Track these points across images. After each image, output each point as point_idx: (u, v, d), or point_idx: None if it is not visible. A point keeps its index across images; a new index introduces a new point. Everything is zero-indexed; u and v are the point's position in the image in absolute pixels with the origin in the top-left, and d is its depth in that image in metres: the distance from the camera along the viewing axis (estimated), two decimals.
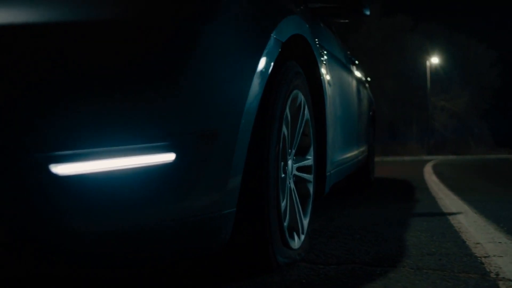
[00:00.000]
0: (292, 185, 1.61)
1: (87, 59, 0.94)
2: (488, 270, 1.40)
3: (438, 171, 6.74)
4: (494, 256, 1.57)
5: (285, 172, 1.50)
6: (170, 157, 1.01)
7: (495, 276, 1.34)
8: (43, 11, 0.96)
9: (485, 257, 1.56)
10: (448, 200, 3.32)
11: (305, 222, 1.68)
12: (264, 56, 1.26)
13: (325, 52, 2.09)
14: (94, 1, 1.01)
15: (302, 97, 1.65)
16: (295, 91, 1.56)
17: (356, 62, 3.62)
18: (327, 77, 2.04)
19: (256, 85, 1.21)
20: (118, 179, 0.96)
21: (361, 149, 3.63)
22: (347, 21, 2.60)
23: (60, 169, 0.91)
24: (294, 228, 1.57)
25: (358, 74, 3.60)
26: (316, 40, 1.92)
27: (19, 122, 0.89)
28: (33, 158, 0.89)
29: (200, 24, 1.08)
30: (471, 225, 2.19)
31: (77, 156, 0.92)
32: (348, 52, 3.39)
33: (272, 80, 1.35)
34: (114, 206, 0.96)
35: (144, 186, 0.99)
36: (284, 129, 1.44)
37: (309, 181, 1.79)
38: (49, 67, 0.92)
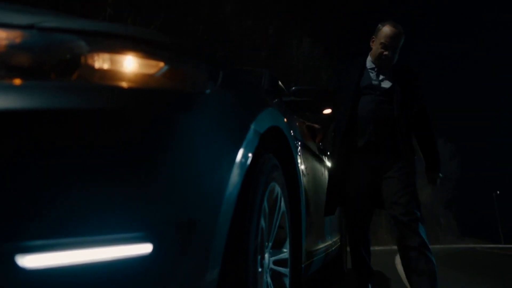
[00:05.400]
0: (269, 279, 1.55)
1: (59, 146, 0.90)
2: None
3: None
4: None
5: (262, 266, 1.45)
6: (146, 248, 0.96)
7: None
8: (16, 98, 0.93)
9: None
10: None
11: None
12: (243, 147, 1.27)
13: (299, 143, 2.14)
14: (74, 90, 0.98)
15: (279, 190, 1.66)
16: (272, 183, 1.56)
17: (328, 152, 3.69)
18: (302, 168, 2.07)
19: (235, 175, 1.21)
20: (89, 271, 0.89)
21: (334, 239, 3.58)
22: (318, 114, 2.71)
23: (27, 260, 0.85)
24: None
25: (328, 163, 3.67)
26: (291, 131, 1.97)
27: None
28: None
29: (181, 114, 1.08)
30: None
31: (46, 246, 0.87)
32: (320, 144, 3.48)
33: (250, 171, 1.35)
34: None
35: (117, 279, 0.92)
36: (262, 221, 1.42)
37: (285, 275, 1.73)
38: (16, 151, 0.87)
